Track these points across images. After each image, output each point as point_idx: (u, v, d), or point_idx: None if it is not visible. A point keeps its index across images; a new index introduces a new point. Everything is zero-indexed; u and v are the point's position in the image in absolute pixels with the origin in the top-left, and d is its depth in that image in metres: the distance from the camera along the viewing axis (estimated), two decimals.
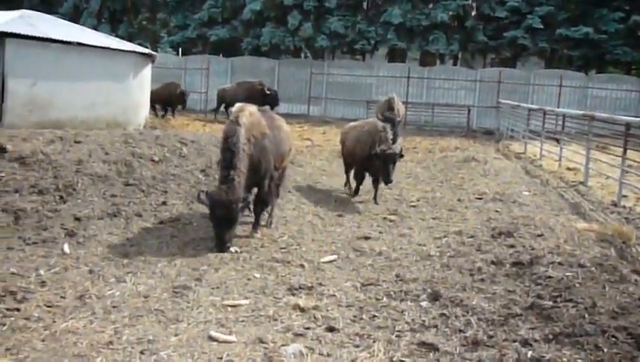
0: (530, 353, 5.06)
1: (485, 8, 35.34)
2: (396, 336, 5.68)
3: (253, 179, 8.90)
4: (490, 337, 5.53)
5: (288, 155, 10.42)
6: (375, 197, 12.19)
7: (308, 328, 5.83)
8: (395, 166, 11.79)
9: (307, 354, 5.23)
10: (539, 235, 8.66)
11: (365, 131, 12.40)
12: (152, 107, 25.02)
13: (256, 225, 9.42)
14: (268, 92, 26.87)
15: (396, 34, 35.23)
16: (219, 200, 8.22)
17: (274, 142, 9.39)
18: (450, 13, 34.84)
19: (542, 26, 33.43)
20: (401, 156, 11.57)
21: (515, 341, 5.38)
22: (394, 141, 12.57)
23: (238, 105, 9.42)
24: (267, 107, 21.01)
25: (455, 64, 39.58)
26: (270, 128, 9.36)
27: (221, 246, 8.28)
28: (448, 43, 35.26)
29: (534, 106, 22.77)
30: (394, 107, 17.87)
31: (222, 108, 28.54)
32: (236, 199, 8.24)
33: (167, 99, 27.04)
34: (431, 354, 5.29)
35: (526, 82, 32.07)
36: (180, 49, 39.17)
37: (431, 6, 35.65)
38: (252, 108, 9.28)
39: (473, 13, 36.57)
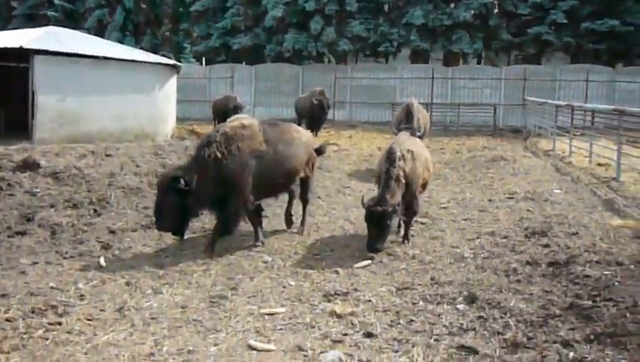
0: (571, 354, 5.02)
1: (508, 5, 35.12)
2: (435, 340, 5.66)
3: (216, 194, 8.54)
4: (530, 339, 5.49)
5: (303, 169, 9.57)
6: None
7: (346, 334, 5.84)
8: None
9: (346, 361, 5.24)
10: (573, 234, 8.58)
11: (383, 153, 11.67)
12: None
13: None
14: (315, 101, 23.51)
15: (419, 35, 35.15)
16: None
17: (272, 158, 8.89)
18: (473, 11, 34.73)
19: (566, 21, 33.11)
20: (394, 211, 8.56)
21: (555, 342, 5.33)
22: None
23: (234, 117, 9.38)
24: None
25: (479, 63, 39.38)
26: (270, 144, 8.90)
27: None
28: (472, 42, 35.11)
29: (562, 102, 22.51)
30: (413, 116, 14.19)
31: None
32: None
33: (223, 113, 24.68)
34: (470, 358, 5.26)
35: (552, 78, 31.71)
36: (204, 58, 39.48)
37: (453, 5, 35.59)
38: (248, 121, 9.11)
39: (496, 10, 36.34)
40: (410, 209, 8.90)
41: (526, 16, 34.52)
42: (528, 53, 38.11)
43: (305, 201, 10.11)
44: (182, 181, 8.19)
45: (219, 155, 8.44)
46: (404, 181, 8.46)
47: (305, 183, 9.88)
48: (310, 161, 9.74)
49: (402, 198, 8.54)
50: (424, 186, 9.55)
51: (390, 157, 8.47)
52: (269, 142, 8.94)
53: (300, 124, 22.22)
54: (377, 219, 8.17)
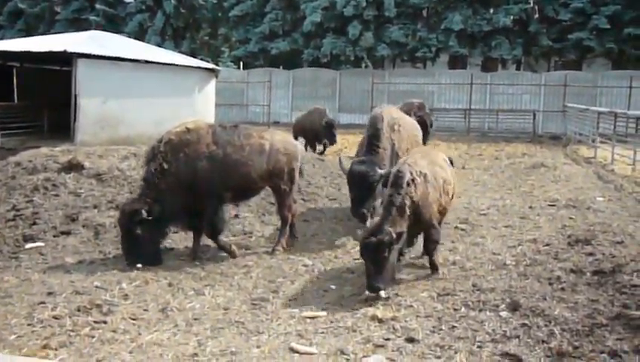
0: None
1: (549, 11, 34.64)
2: (477, 347, 5.62)
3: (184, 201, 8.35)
4: (576, 348, 5.41)
5: (263, 178, 8.93)
6: None
7: (388, 339, 5.83)
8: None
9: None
10: (618, 242, 8.42)
11: None
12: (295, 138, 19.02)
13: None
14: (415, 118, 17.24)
15: (457, 40, 34.89)
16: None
17: (222, 160, 8.47)
18: (513, 17, 34.35)
19: (608, 26, 32.51)
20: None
21: (602, 352, 5.25)
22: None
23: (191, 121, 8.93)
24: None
25: (518, 68, 38.90)
26: (220, 145, 8.49)
27: None
28: (511, 48, 34.71)
29: (604, 109, 22.14)
30: (379, 136, 9.99)
31: None
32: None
33: (312, 133, 20.38)
34: None
35: (593, 84, 31.21)
36: (242, 63, 39.77)
37: (492, 11, 35.22)
38: (194, 125, 8.64)
39: (536, 16, 35.92)
40: (428, 240, 7.84)
41: (567, 21, 33.99)
42: (569, 59, 37.55)
43: (281, 217, 9.28)
44: (142, 212, 7.98)
45: (166, 166, 8.19)
46: (409, 212, 7.23)
47: (277, 195, 9.23)
48: (278, 170, 8.97)
49: (411, 228, 7.42)
50: (443, 213, 8.07)
51: (397, 181, 7.23)
52: (219, 144, 8.51)
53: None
54: (372, 253, 6.81)
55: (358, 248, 7.19)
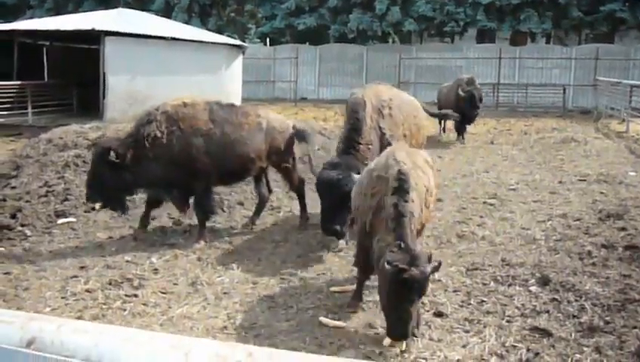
0: None
1: None
2: (507, 321, 5.59)
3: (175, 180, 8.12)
4: (607, 323, 5.37)
5: (261, 157, 8.60)
6: None
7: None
8: None
9: (418, 339, 5.22)
10: None
11: None
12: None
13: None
14: (462, 93, 17.41)
15: (486, 14, 34.36)
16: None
17: (219, 139, 8.20)
18: None
19: None
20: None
21: (635, 327, 5.21)
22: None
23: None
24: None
25: (548, 42, 38.20)
26: (217, 124, 8.23)
27: None
28: (540, 21, 34.08)
29: (637, 82, 21.71)
30: (360, 127, 8.29)
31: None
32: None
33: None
34: (544, 340, 5.18)
35: (626, 57, 30.56)
36: (268, 39, 39.67)
37: None
38: (191, 100, 8.39)
39: None
40: None
41: None
42: (600, 32, 36.78)
43: (297, 192, 9.18)
44: (112, 153, 7.81)
45: (158, 135, 7.96)
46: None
47: (283, 174, 9.09)
48: (276, 149, 8.70)
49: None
50: (419, 232, 5.96)
51: (401, 186, 5.35)
52: (216, 122, 8.23)
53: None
54: (419, 288, 4.91)
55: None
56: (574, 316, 5.59)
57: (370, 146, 7.89)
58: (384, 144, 7.83)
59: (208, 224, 8.71)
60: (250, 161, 8.48)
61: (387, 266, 4.83)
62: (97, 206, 8.45)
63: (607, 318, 5.45)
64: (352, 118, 8.04)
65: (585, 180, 11.93)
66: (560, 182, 11.99)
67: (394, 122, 8.34)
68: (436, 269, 5.12)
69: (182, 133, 8.03)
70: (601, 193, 10.66)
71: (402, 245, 5.01)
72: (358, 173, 6.96)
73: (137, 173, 7.98)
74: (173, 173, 8.02)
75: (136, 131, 8.08)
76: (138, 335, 1.63)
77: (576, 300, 5.91)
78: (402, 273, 4.78)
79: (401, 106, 8.67)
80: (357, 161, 7.60)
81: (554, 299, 5.99)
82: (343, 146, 7.95)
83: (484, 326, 5.48)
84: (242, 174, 8.78)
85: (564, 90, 28.66)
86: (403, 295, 4.84)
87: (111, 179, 7.85)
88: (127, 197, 8.43)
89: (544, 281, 6.42)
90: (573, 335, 5.23)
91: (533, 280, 6.51)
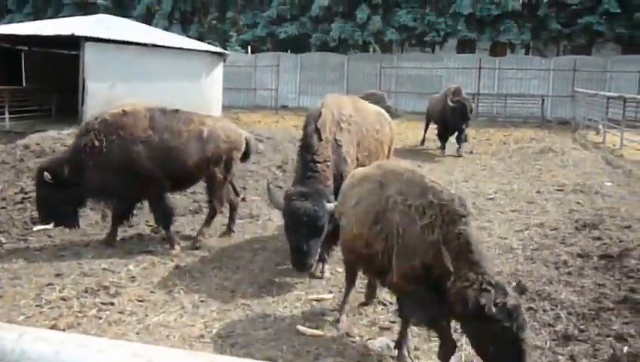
0: (625, 348, 4.94)
1: None
2: None
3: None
4: (582, 331, 5.42)
5: (200, 166, 8.37)
6: None
7: (393, 322, 5.83)
8: None
9: (395, 348, 5.23)
10: (626, 227, 8.42)
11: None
12: None
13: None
14: (451, 103, 17.02)
15: (466, 25, 34.68)
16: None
17: (158, 146, 8.09)
18: (521, 1, 34.11)
19: (618, 11, 32.23)
20: None
21: (608, 336, 5.26)
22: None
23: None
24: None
25: (527, 53, 38.61)
26: (157, 130, 8.13)
27: None
28: (520, 32, 34.46)
29: (614, 94, 21.98)
30: (311, 145, 7.44)
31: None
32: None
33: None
34: None
35: (603, 69, 30.92)
36: (250, 47, 39.66)
37: None
38: (131, 108, 8.29)
39: (545, 0, 35.62)
40: None
41: (576, 5, 33.71)
42: (578, 44, 37.22)
43: (210, 208, 8.76)
44: (45, 174, 7.84)
45: (96, 144, 7.91)
46: None
47: (210, 184, 8.58)
48: (216, 158, 8.44)
49: None
50: None
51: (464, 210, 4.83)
52: (156, 129, 8.15)
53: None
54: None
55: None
56: (550, 324, 5.63)
57: (328, 163, 7.10)
58: (342, 158, 7.30)
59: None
60: (190, 168, 8.35)
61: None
62: (51, 226, 8.56)
63: (581, 327, 5.50)
64: (304, 135, 7.32)
65: (562, 190, 12.05)
66: (538, 191, 12.10)
67: (350, 139, 7.55)
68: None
69: (122, 141, 7.99)
70: (578, 203, 10.77)
71: (493, 282, 4.42)
72: (329, 202, 6.55)
73: (83, 185, 8.01)
74: (119, 181, 7.97)
75: (76, 142, 8.16)
76: (99, 343, 1.62)
77: (551, 309, 5.96)
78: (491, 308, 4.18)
79: (367, 117, 8.10)
80: (321, 184, 6.87)
81: (530, 308, 6.01)
82: (302, 171, 7.09)
83: (461, 335, 5.49)
84: (189, 180, 8.73)
85: (543, 100, 28.98)
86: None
87: (55, 197, 7.91)
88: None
89: (520, 290, 6.36)
90: (548, 343, 5.27)
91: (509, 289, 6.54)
